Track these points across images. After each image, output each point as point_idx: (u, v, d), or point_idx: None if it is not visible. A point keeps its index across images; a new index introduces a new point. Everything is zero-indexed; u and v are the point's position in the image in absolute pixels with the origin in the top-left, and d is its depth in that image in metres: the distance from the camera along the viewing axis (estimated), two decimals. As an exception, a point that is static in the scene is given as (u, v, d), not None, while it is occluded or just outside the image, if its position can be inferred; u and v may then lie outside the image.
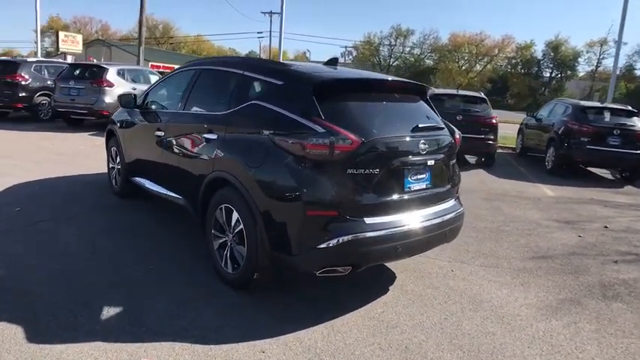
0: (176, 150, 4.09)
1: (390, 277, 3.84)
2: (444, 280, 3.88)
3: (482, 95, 10.16)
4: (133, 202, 5.36)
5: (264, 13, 55.27)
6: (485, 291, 3.71)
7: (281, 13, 16.21)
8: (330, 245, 2.84)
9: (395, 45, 62.82)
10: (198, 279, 3.55)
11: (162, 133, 4.31)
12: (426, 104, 3.67)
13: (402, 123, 3.26)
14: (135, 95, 5.05)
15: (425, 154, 3.23)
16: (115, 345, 2.69)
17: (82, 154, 8.43)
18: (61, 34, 32.07)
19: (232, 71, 3.73)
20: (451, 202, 3.57)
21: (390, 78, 3.65)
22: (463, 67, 58.98)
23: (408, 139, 3.19)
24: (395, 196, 3.11)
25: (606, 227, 5.87)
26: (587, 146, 8.97)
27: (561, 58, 56.24)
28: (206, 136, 3.63)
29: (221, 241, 3.48)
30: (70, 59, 24.42)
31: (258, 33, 59.72)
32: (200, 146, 3.71)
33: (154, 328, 2.87)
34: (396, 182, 3.12)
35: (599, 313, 3.48)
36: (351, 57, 65.83)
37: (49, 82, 11.93)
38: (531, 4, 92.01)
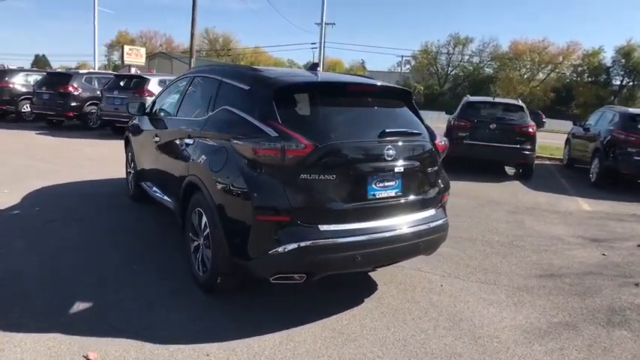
0: (166, 155, 4.21)
1: (371, 288, 3.68)
2: (428, 294, 3.65)
3: (520, 103, 9.60)
4: (142, 205, 5.56)
5: (317, 24, 55.81)
6: (469, 309, 3.45)
7: (321, 24, 16.36)
8: (281, 251, 2.77)
9: (453, 53, 61.40)
10: (176, 282, 3.59)
11: (158, 139, 4.45)
12: (406, 108, 3.51)
13: (368, 128, 3.13)
14: (144, 102, 5.25)
15: (392, 160, 3.07)
16: (72, 337, 2.77)
17: (115, 160, 8.91)
18: (126, 47, 34.45)
19: (213, 78, 3.78)
20: (430, 212, 3.37)
21: (359, 81, 3.54)
22: (525, 76, 56.37)
23: (370, 144, 3.05)
24: (356, 203, 2.98)
25: (640, 247, 5.30)
26: (636, 157, 8.18)
27: (633, 65, 52.16)
28: (186, 141, 3.70)
29: (195, 244, 3.50)
30: (133, 71, 26.10)
31: (312, 44, 60.63)
32: (181, 151, 3.78)
33: (116, 326, 2.93)
34: (357, 189, 2.99)
35: (594, 340, 3.12)
36: (409, 66, 65.16)
37: (97, 93, 12.80)
38: (600, 9, 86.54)
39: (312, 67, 3.71)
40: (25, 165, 7.88)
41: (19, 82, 14.11)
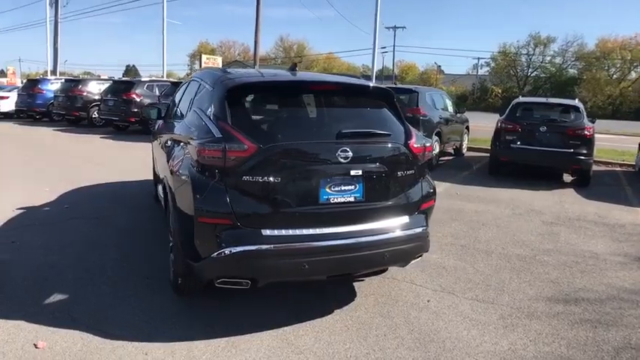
0: (159, 158, 4.32)
1: (347, 299, 3.47)
2: (407, 310, 3.36)
3: (577, 103, 8.66)
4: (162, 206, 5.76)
5: (388, 28, 55.17)
6: (448, 329, 3.11)
7: (375, 26, 16.06)
8: (222, 255, 2.68)
9: (533, 54, 57.46)
10: (158, 281, 3.63)
11: (158, 142, 4.58)
12: (382, 108, 3.26)
13: (324, 128, 2.94)
14: (159, 107, 5.44)
15: (348, 163, 2.85)
16: (32, 326, 2.93)
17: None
18: (204, 57, 36.46)
19: (197, 81, 3.80)
20: (402, 220, 3.09)
21: (323, 80, 3.34)
22: (614, 76, 51.24)
23: (322, 145, 2.85)
24: (305, 208, 2.81)
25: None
26: None
27: None
28: (168, 143, 3.76)
29: (170, 244, 3.52)
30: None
31: (382, 48, 59.97)
32: (166, 154, 3.84)
33: (76, 319, 3.03)
34: (306, 193, 2.81)
35: (585, 376, 2.66)
36: (488, 68, 62.19)
37: (158, 99, 13.59)
38: None
39: (292, 67, 3.58)
40: (76, 166, 8.56)
41: (91, 90, 15.48)
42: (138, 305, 3.24)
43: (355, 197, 2.91)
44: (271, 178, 2.72)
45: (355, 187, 2.90)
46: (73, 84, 15.87)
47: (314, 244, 2.76)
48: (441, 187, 7.86)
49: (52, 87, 16.93)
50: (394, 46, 54.98)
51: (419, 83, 60.11)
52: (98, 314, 3.10)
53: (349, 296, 3.52)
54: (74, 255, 4.11)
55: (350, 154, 2.83)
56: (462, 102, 53.40)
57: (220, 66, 36.89)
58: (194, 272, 2.91)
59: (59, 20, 30.20)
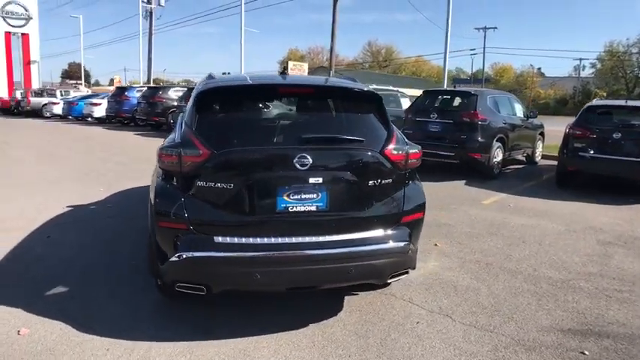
0: None
1: (329, 313, 3.29)
2: (389, 331, 3.09)
3: (663, 106, 7.44)
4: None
5: (477, 29, 52.53)
6: (424, 357, 2.81)
7: (446, 29, 15.28)
8: (177, 260, 2.68)
9: (645, 53, 51.12)
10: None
11: None
12: (363, 111, 3.06)
13: (288, 133, 2.81)
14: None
15: (308, 170, 2.69)
16: (23, 314, 3.19)
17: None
18: (290, 63, 37.82)
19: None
20: (374, 233, 2.86)
21: (294, 83, 3.18)
22: None
23: (279, 151, 2.73)
24: (260, 216, 2.71)
25: None
26: None
27: None
28: None
29: None
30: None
31: (470, 50, 57.31)
32: None
33: (64, 312, 3.22)
34: (261, 200, 2.71)
35: None
36: (593, 70, 56.72)
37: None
38: None
39: (282, 71, 3.52)
40: (140, 169, 9.23)
41: (169, 97, 16.74)
42: (127, 304, 3.36)
43: (317, 207, 2.75)
44: (225, 184, 2.67)
45: (317, 195, 2.74)
46: (153, 91, 17.32)
47: (267, 253, 2.65)
48: (495, 198, 7.26)
49: (137, 94, 18.63)
50: (484, 47, 52.06)
51: (514, 86, 56.31)
52: (90, 310, 3.26)
53: (334, 310, 3.35)
54: (95, 252, 4.41)
55: (309, 160, 2.68)
56: (562, 106, 49.04)
57: (306, 73, 37.89)
58: (161, 275, 2.96)
59: (153, 32, 33.17)
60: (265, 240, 2.69)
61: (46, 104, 25.13)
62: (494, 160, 8.63)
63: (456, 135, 8.46)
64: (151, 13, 33.39)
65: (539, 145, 11.04)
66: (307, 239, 2.73)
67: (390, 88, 14.10)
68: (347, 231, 2.80)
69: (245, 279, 2.71)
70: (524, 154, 10.55)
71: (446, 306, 3.48)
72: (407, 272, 3.10)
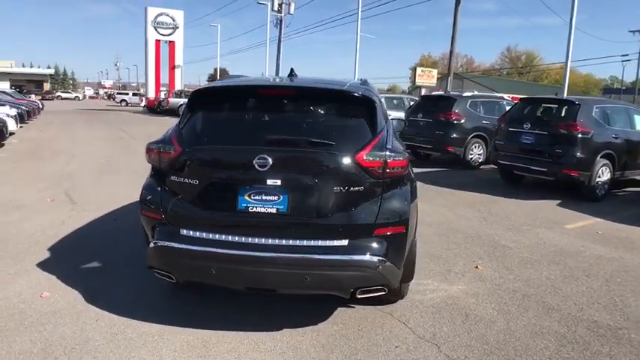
0: None
1: (310, 321, 3.21)
2: (360, 349, 2.90)
3: None
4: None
5: (632, 31, 45.47)
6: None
7: (569, 35, 13.41)
8: (152, 246, 2.88)
9: None
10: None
11: None
12: (339, 113, 2.96)
13: (256, 134, 2.80)
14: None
15: (267, 171, 2.65)
16: (54, 281, 3.73)
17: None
18: (418, 69, 37.36)
19: None
20: (337, 243, 2.70)
21: (274, 85, 3.12)
22: None
23: (240, 151, 2.74)
24: (222, 213, 2.76)
25: None
26: None
27: None
28: None
29: None
30: (423, 92, 28.13)
31: (622, 56, 49.88)
32: None
33: (89, 286, 3.65)
34: (224, 198, 2.75)
35: None
36: None
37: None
38: None
39: (290, 72, 3.49)
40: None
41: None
42: (140, 288, 3.65)
43: (278, 209, 2.70)
44: (192, 180, 2.79)
45: (278, 198, 2.70)
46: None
47: (222, 250, 2.69)
48: (583, 222, 6.27)
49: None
50: None
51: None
52: (105, 287, 3.66)
53: (318, 318, 3.25)
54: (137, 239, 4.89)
55: (268, 161, 2.65)
56: None
57: (435, 79, 36.80)
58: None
59: (282, 39, 35.26)
60: (223, 237, 2.74)
61: (182, 104, 28.46)
62: (598, 179, 7.42)
63: (550, 148, 7.48)
64: (280, 21, 35.67)
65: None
66: (263, 241, 2.70)
67: (496, 94, 13.02)
68: (307, 237, 2.70)
69: (202, 273, 2.80)
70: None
71: (442, 334, 3.14)
72: (383, 290, 2.87)
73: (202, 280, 2.92)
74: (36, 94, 45.26)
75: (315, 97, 3.04)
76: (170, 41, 38.48)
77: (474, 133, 10.80)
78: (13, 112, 15.25)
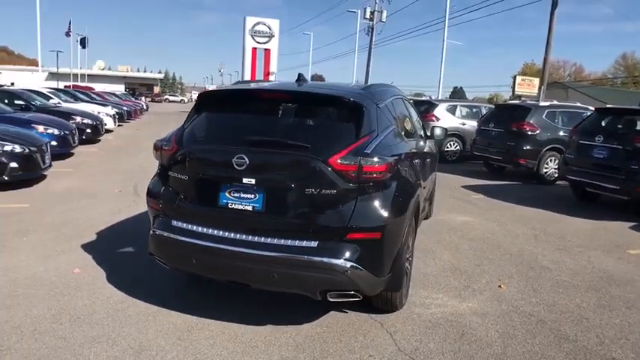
0: None
1: (295, 320, 3.26)
2: (330, 355, 2.90)
3: None
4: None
5: None
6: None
7: None
8: (150, 234, 3.17)
9: None
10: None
11: None
12: (327, 117, 3.00)
13: (242, 135, 2.93)
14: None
15: (244, 170, 2.77)
16: (89, 260, 4.20)
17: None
18: (518, 78, 35.54)
19: None
20: (306, 243, 2.74)
21: (266, 88, 3.19)
22: None
23: (221, 151, 2.90)
24: (205, 207, 2.96)
25: None
26: None
27: None
28: None
29: None
30: (530, 101, 26.58)
31: None
32: None
33: (117, 268, 4.05)
34: (207, 194, 2.94)
35: None
36: None
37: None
38: None
39: (298, 77, 3.57)
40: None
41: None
42: (162, 271, 3.82)
43: (254, 207, 2.82)
44: (181, 176, 3.03)
45: (255, 196, 2.81)
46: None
47: (202, 242, 2.87)
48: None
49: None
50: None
51: None
52: (132, 269, 4.02)
53: (305, 318, 3.28)
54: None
55: (245, 161, 2.78)
56: None
57: (536, 88, 34.45)
58: None
59: (372, 46, 35.34)
60: (204, 230, 2.92)
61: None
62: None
63: (625, 164, 6.69)
64: (372, 28, 35.83)
65: None
66: (238, 236, 2.83)
67: (578, 105, 11.89)
68: (278, 235, 2.78)
69: (185, 262, 3.03)
70: None
71: (424, 350, 3.01)
72: (356, 296, 2.85)
73: (186, 268, 3.14)
74: (146, 96, 50.36)
75: (303, 102, 3.13)
76: (266, 49, 40.49)
77: (550, 146, 10.00)
78: (113, 111, 17.19)
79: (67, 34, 44.22)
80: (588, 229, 6.30)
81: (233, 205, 2.87)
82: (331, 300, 2.86)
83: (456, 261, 4.76)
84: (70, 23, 43.83)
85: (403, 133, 3.78)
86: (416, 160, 3.90)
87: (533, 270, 4.61)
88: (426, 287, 4.02)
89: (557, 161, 10.06)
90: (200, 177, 3.01)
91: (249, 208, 2.84)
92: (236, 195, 2.86)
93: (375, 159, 2.78)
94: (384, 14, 35.46)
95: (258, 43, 39.69)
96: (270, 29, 39.91)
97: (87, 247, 4.53)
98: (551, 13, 20.80)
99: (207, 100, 3.39)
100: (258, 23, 39.66)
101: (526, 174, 10.60)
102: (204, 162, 3.05)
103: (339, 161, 2.74)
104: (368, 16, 35.93)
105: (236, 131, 3.05)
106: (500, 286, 4.15)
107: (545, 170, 10.07)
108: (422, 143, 4.82)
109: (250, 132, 3.00)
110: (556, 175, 10.07)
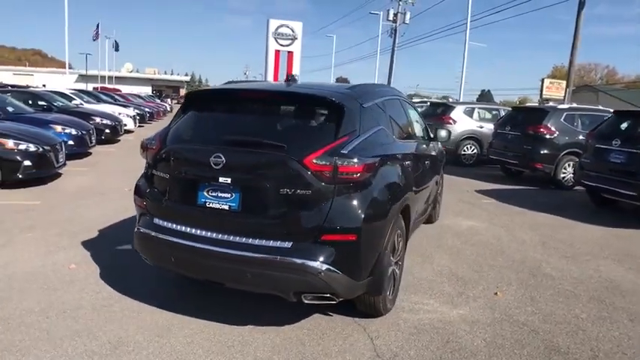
0: None
1: (278, 321, 3.24)
2: (303, 356, 2.87)
3: None
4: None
5: None
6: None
7: None
8: (135, 231, 3.22)
9: None
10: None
11: None
12: (309, 117, 2.97)
13: (220, 134, 2.95)
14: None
15: (221, 169, 2.78)
16: (87, 256, 4.26)
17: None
18: (546, 81, 34.90)
19: None
20: (281, 244, 2.72)
21: (249, 88, 3.18)
22: None
23: (200, 150, 2.91)
24: (185, 206, 2.98)
25: None
26: None
27: None
28: None
29: None
30: (551, 104, 26.07)
31: None
32: None
33: (113, 265, 4.12)
34: (187, 192, 2.96)
35: None
36: None
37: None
38: None
39: (287, 78, 3.56)
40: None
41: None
42: (155, 270, 3.87)
43: (230, 206, 2.82)
44: (163, 174, 3.06)
45: (231, 195, 2.82)
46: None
47: (181, 241, 2.89)
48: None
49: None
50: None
51: None
52: (127, 267, 4.04)
53: (285, 320, 3.25)
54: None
55: (222, 160, 2.78)
56: None
57: (564, 91, 33.58)
58: None
59: (395, 48, 35.08)
60: (182, 228, 2.94)
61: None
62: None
63: None
64: (395, 30, 35.57)
65: None
66: (214, 235, 2.84)
67: (600, 108, 11.46)
68: (253, 235, 2.77)
69: (165, 260, 3.05)
70: None
71: (405, 357, 2.93)
72: (331, 299, 2.81)
73: (166, 266, 3.16)
74: (172, 99, 51.35)
75: (284, 102, 3.13)
76: (289, 52, 40.70)
77: (568, 150, 9.64)
78: (133, 113, 17.60)
79: (95, 37, 45.37)
80: (600, 237, 6.06)
81: (211, 204, 2.88)
82: (306, 302, 2.84)
83: (455, 266, 4.66)
84: (97, 27, 44.80)
85: (395, 134, 3.72)
86: (409, 162, 3.83)
87: (534, 278, 4.47)
88: (418, 292, 3.94)
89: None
90: (180, 176, 3.03)
91: (226, 207, 2.84)
92: (213, 194, 2.87)
93: (353, 160, 2.74)
94: (407, 16, 35.15)
95: (281, 45, 39.78)
96: (293, 32, 39.85)
97: (87, 244, 4.63)
98: (578, 14, 20.20)
99: (193, 100, 3.42)
100: (281, 26, 39.67)
101: (544, 179, 10.30)
102: (184, 161, 3.07)
103: (314, 161, 2.71)
104: (391, 17, 35.68)
105: (216, 130, 3.07)
106: (496, 294, 4.03)
107: (562, 175, 9.76)
108: (422, 145, 4.74)
109: (229, 131, 3.01)
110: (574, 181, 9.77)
